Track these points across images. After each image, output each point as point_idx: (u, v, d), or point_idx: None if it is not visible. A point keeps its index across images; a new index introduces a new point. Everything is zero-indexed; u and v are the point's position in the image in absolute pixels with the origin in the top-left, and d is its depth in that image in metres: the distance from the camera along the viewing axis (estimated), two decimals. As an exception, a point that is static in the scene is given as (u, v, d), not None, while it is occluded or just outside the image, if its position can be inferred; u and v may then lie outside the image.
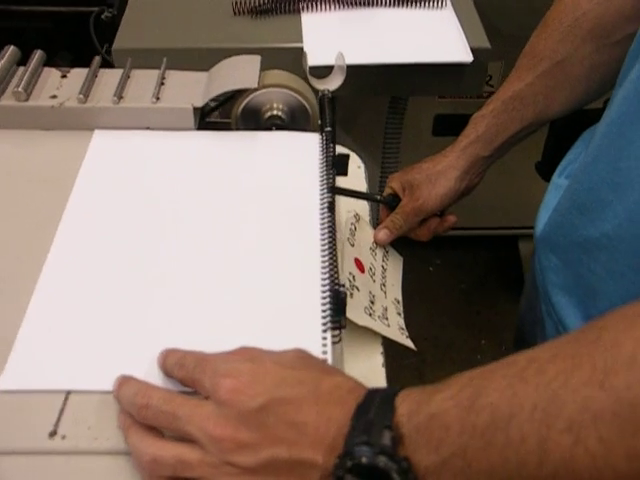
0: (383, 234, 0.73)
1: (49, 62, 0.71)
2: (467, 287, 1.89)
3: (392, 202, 0.77)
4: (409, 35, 0.99)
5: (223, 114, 0.71)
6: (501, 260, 1.94)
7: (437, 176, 0.74)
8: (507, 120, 0.72)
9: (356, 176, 0.76)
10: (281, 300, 0.53)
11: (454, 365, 1.71)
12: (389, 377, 0.64)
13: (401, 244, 0.81)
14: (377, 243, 0.75)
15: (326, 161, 0.65)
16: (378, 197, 0.78)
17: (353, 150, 0.84)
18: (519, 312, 0.86)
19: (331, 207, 0.60)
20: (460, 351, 1.74)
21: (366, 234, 0.74)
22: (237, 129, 0.69)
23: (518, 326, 0.87)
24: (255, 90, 0.66)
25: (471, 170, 0.74)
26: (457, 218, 0.78)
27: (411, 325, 0.71)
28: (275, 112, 0.68)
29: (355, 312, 0.65)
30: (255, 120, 0.69)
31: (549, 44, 0.70)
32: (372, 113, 1.44)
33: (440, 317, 1.80)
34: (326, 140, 0.66)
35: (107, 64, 0.76)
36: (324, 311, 0.52)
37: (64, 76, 0.69)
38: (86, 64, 0.70)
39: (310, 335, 0.51)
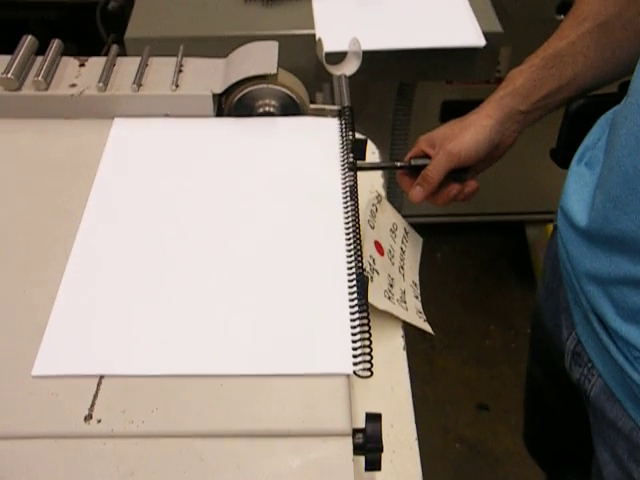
0: (417, 191, 0.71)
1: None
2: (475, 273, 1.89)
3: (417, 166, 0.72)
4: (421, 20, 0.99)
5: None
6: (508, 245, 1.94)
7: (471, 123, 0.71)
8: (545, 76, 0.70)
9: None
10: (307, 288, 0.53)
11: (464, 350, 1.72)
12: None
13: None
14: (412, 202, 0.72)
15: (345, 142, 0.65)
16: (398, 164, 0.74)
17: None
18: (536, 298, 0.85)
19: (353, 191, 0.60)
20: (469, 336, 1.75)
21: (387, 215, 0.74)
22: (228, 115, 0.69)
23: (535, 313, 0.86)
24: (254, 84, 0.67)
25: (506, 123, 0.71)
26: (477, 184, 0.74)
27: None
28: (268, 108, 0.68)
29: (375, 296, 0.65)
30: (247, 110, 0.69)
31: (594, 4, 0.68)
32: (380, 99, 1.44)
33: (449, 303, 1.81)
34: (345, 123, 0.66)
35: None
36: (351, 294, 0.52)
37: (82, 65, 0.69)
38: (91, 55, 0.70)
39: (338, 324, 0.51)
